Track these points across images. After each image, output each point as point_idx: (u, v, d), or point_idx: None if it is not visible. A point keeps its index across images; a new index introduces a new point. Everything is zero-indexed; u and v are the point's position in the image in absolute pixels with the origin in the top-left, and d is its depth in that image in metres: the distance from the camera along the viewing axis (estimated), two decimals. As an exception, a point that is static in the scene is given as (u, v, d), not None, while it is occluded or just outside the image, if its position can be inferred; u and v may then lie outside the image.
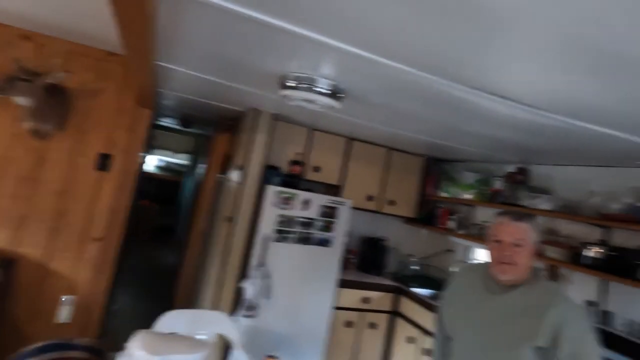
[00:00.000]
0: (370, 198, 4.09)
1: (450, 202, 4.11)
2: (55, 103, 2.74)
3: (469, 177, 3.90)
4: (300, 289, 3.43)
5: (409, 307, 3.70)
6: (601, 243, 2.69)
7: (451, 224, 3.96)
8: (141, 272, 6.12)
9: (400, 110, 2.49)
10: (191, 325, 2.39)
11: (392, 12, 1.23)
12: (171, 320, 2.36)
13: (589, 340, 1.44)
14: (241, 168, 3.45)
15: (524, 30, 1.19)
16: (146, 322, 2.32)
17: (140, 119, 3.11)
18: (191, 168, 8.26)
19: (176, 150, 9.25)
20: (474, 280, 1.74)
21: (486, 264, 1.73)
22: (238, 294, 3.26)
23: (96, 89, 2.95)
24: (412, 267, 4.27)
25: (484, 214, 3.84)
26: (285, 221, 3.39)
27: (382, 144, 4.10)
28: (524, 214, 1.68)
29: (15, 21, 2.63)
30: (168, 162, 9.31)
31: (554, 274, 2.99)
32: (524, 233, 1.58)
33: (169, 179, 9.15)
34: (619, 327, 2.57)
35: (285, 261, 3.37)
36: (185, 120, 5.73)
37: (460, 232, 3.85)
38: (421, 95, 2.08)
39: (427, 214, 4.27)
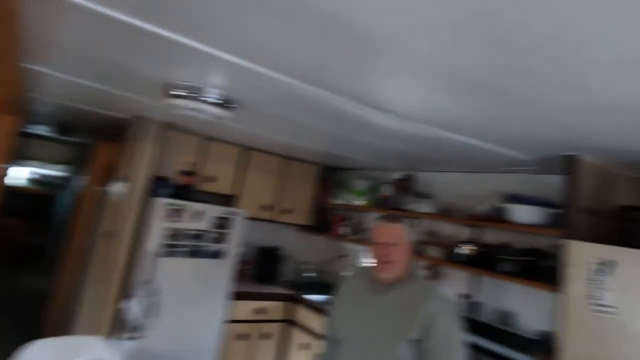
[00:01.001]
0: (266, 207, 4.06)
1: (343, 208, 4.26)
2: None
3: (361, 184, 4.08)
4: (191, 304, 3.26)
5: (302, 314, 3.73)
6: (471, 241, 3.00)
7: (344, 230, 4.10)
8: (2, 301, 5.29)
9: (293, 120, 2.53)
10: (63, 355, 2.11)
11: (276, 28, 1.26)
12: (37, 352, 2.06)
13: (455, 330, 1.58)
14: (125, 180, 3.18)
15: (397, 55, 1.32)
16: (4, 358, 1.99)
17: (3, 126, 2.72)
18: (68, 180, 7.42)
19: (51, 161, 8.25)
20: (360, 283, 1.82)
21: (371, 267, 1.82)
22: (120, 315, 2.97)
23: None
24: (307, 275, 4.32)
25: (373, 219, 4.05)
26: (175, 234, 3.20)
27: (278, 153, 4.12)
28: (398, 217, 1.81)
29: None
30: (41, 175, 8.25)
31: (434, 272, 3.25)
32: (398, 233, 1.71)
33: (41, 193, 8.11)
34: (488, 315, 2.88)
35: (174, 277, 3.18)
36: (63, 128, 5.17)
37: (353, 237, 4.01)
38: (311, 107, 2.14)
39: (322, 222, 4.37)
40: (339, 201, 4.19)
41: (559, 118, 1.69)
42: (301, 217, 4.33)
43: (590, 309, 1.79)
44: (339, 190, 4.24)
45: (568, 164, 2.23)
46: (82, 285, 3.52)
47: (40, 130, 5.72)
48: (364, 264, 1.98)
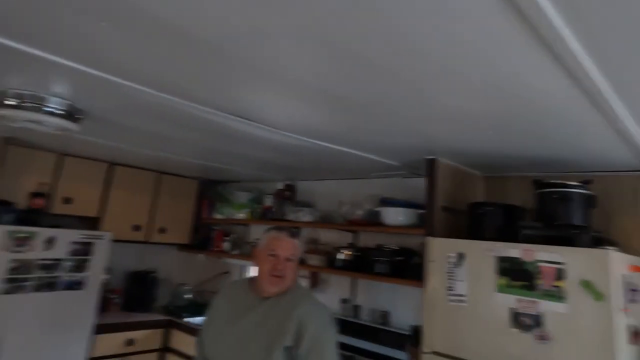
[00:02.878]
0: (137, 227, 3.71)
1: (224, 223, 4.09)
2: None
3: (242, 197, 3.96)
4: (43, 346, 2.80)
5: (180, 340, 3.46)
6: (349, 246, 3.07)
7: (226, 246, 3.93)
8: None
9: (158, 132, 2.36)
10: None
11: (111, 32, 1.15)
12: None
13: (327, 336, 1.56)
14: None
15: (242, 63, 1.28)
16: None
17: None
18: None
19: None
20: (233, 297, 1.74)
21: (246, 280, 1.76)
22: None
23: None
24: (185, 296, 4.02)
25: (256, 232, 3.96)
26: (21, 267, 2.74)
27: (150, 168, 3.81)
28: (296, 231, 1.80)
29: None
30: None
31: (315, 280, 3.26)
32: (296, 249, 1.70)
33: None
34: (366, 317, 2.96)
35: (19, 316, 2.71)
36: None
37: (235, 252, 3.86)
38: (171, 117, 2.03)
39: (202, 239, 4.14)
40: (220, 216, 4.01)
41: (409, 126, 1.80)
42: (179, 235, 4.04)
43: (447, 299, 1.92)
44: (219, 204, 4.07)
45: (428, 167, 2.40)
46: None
47: None
48: (238, 278, 1.88)
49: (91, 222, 3.46)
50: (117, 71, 1.45)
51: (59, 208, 3.27)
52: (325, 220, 3.34)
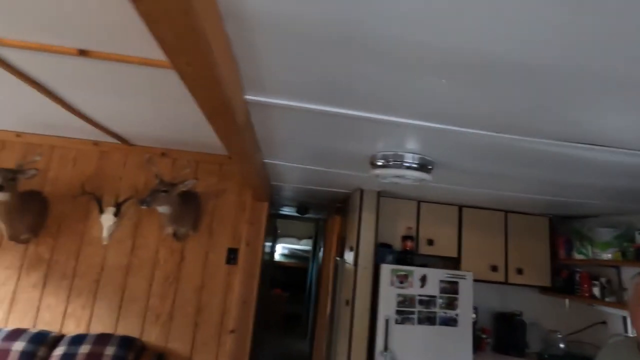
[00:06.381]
0: (494, 268, 3.84)
1: (588, 264, 3.65)
2: (189, 207, 3.23)
3: (605, 234, 3.46)
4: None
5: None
6: None
7: (595, 291, 3.48)
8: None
9: (496, 172, 2.43)
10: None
11: (441, 84, 1.32)
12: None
13: None
14: (352, 249, 3.58)
15: (590, 81, 1.18)
16: None
17: (259, 211, 3.47)
18: (313, 253, 8.61)
19: (299, 237, 9.77)
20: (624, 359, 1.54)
21: (635, 339, 1.53)
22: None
23: (220, 189, 3.44)
24: (560, 346, 3.74)
25: (632, 276, 3.32)
26: (405, 301, 3.35)
27: (496, 207, 3.93)
28: None
29: (154, 143, 3.33)
30: (292, 250, 9.82)
31: None
32: None
33: (295, 265, 9.51)
34: None
35: (410, 344, 3.26)
36: (302, 207, 6.13)
37: (608, 299, 3.36)
38: (509, 155, 2.04)
39: (565, 281, 3.82)
40: (580, 256, 3.62)
41: None
42: (538, 277, 3.89)
43: None
44: (578, 243, 3.69)
45: None
46: (333, 350, 3.96)
47: (287, 211, 6.94)
48: (622, 336, 1.62)
49: (453, 262, 3.85)
50: (456, 121, 1.61)
51: (424, 249, 3.82)
52: None
